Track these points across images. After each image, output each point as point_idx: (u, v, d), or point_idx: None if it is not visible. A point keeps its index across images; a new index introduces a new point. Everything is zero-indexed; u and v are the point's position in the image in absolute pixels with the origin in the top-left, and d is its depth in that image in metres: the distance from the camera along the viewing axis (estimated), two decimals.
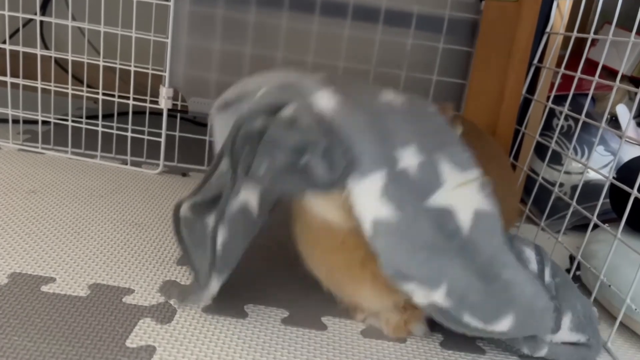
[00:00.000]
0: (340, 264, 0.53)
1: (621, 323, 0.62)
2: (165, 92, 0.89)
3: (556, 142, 0.94)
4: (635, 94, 1.03)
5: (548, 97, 0.88)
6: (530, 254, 0.56)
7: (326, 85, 0.46)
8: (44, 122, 0.98)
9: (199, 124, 1.19)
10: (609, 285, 0.64)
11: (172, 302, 0.57)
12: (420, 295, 0.47)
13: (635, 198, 0.60)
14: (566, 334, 0.55)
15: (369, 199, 0.45)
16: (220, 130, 0.55)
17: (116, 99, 0.94)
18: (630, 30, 0.65)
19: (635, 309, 0.62)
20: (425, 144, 0.47)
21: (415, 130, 0.47)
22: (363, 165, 0.44)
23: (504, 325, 0.48)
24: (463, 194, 0.47)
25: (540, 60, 0.91)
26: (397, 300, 0.55)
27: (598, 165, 0.92)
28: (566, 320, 0.56)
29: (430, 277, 0.46)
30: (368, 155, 0.44)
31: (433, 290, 0.46)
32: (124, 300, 0.57)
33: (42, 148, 0.95)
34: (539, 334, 0.53)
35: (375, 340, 0.57)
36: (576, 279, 0.74)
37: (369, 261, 0.49)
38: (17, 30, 1.13)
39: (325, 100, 0.45)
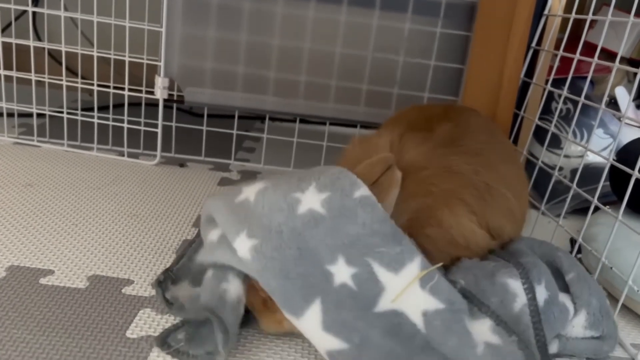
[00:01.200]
0: None
1: (623, 305, 0.62)
2: (160, 81, 0.88)
3: (555, 125, 0.94)
4: (634, 75, 1.02)
5: (546, 81, 0.87)
6: (515, 285, 0.52)
7: (242, 227, 0.49)
8: (39, 115, 0.97)
9: (196, 114, 1.18)
10: (611, 268, 0.64)
11: None
12: None
13: (636, 179, 0.59)
14: (580, 331, 0.55)
15: (315, 334, 0.45)
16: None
17: (111, 90, 0.93)
18: (629, 13, 0.65)
19: (638, 291, 0.62)
20: (352, 253, 0.47)
21: (339, 241, 0.48)
22: (292, 306, 0.45)
23: None
24: (406, 299, 0.47)
25: (539, 43, 0.90)
26: None
27: (597, 148, 0.92)
28: (581, 318, 0.55)
29: None
30: (292, 295, 0.45)
31: None
32: (123, 291, 0.57)
33: (38, 141, 0.94)
34: None
35: None
36: None
37: None
38: (10, 24, 1.11)
39: (242, 252, 0.48)
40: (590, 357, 0.54)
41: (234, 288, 0.50)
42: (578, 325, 0.55)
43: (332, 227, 0.48)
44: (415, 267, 0.48)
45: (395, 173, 0.51)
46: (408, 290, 0.47)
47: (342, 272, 0.47)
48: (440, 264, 0.50)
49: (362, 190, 0.50)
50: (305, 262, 0.47)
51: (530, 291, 0.52)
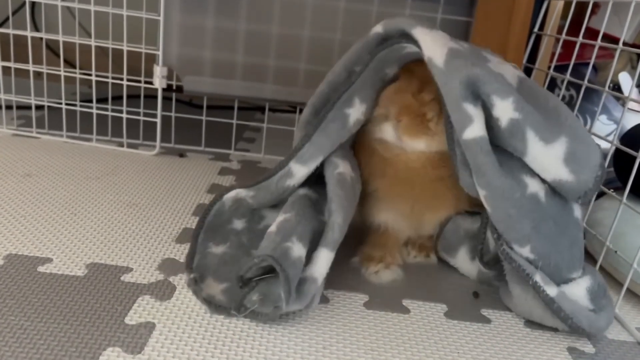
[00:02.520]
0: (428, 192, 0.63)
1: (628, 289, 0.61)
2: (159, 71, 0.88)
3: None
4: (638, 61, 1.01)
5: (549, 67, 0.86)
6: None
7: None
8: (38, 107, 0.96)
9: (196, 105, 1.18)
10: (615, 252, 0.63)
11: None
12: (498, 100, 0.52)
13: None
14: (582, 292, 0.55)
15: (440, 40, 0.54)
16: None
17: (110, 80, 0.93)
18: None
19: None
20: (466, 43, 0.59)
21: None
22: (427, 26, 0.55)
23: (559, 147, 0.52)
24: (506, 67, 0.58)
25: (541, 28, 0.89)
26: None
27: (601, 134, 0.91)
28: (586, 280, 0.55)
29: (501, 86, 0.52)
30: (426, 24, 0.56)
31: (505, 99, 0.52)
32: (122, 278, 0.56)
33: (37, 132, 0.94)
34: (586, 169, 0.52)
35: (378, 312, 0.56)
36: None
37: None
38: (7, 19, 1.11)
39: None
40: (584, 326, 0.53)
41: (297, 249, 0.53)
42: (582, 286, 0.55)
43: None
44: (511, 63, 0.62)
45: None
46: (505, 65, 0.59)
47: (460, 44, 0.57)
48: None
49: None
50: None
51: None
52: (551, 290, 0.53)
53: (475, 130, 0.51)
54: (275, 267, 0.50)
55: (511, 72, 0.57)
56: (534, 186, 0.54)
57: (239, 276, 0.54)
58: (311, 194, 0.62)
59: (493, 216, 0.54)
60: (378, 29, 0.59)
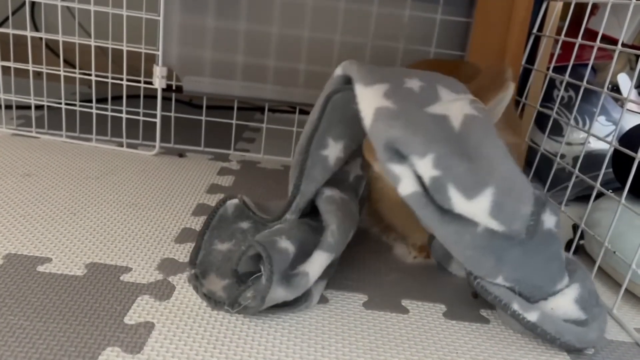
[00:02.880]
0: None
1: (626, 290, 0.62)
2: (159, 71, 0.88)
3: (557, 113, 0.93)
4: (637, 62, 1.01)
5: (548, 68, 0.87)
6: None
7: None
8: (38, 107, 0.96)
9: (195, 105, 1.18)
10: (614, 252, 0.64)
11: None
12: (416, 159, 0.51)
13: (639, 164, 0.58)
14: (570, 304, 0.54)
15: (371, 98, 0.52)
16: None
17: (109, 80, 0.93)
18: None
19: None
20: (425, 78, 0.56)
21: (419, 75, 0.57)
22: (366, 80, 0.54)
23: (484, 201, 0.50)
24: (455, 105, 0.55)
25: (540, 29, 0.89)
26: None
27: (600, 135, 0.91)
28: (574, 290, 0.54)
29: (421, 144, 0.51)
30: (368, 77, 0.54)
31: (424, 157, 0.50)
32: (121, 278, 0.56)
33: (37, 132, 0.94)
34: (517, 220, 0.50)
35: (377, 312, 0.56)
36: (580, 249, 0.74)
37: None
38: (7, 18, 1.11)
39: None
40: (574, 343, 0.52)
41: (284, 243, 0.55)
42: (569, 297, 0.54)
43: (414, 72, 0.58)
44: (470, 96, 0.56)
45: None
46: (460, 101, 0.55)
47: (411, 83, 0.56)
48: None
49: None
50: (378, 73, 0.56)
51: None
52: (532, 316, 0.52)
53: (406, 187, 0.51)
54: (258, 248, 0.52)
55: (459, 112, 0.54)
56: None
57: (232, 270, 0.55)
58: (310, 222, 0.63)
59: (457, 258, 0.54)
60: (339, 71, 0.60)
